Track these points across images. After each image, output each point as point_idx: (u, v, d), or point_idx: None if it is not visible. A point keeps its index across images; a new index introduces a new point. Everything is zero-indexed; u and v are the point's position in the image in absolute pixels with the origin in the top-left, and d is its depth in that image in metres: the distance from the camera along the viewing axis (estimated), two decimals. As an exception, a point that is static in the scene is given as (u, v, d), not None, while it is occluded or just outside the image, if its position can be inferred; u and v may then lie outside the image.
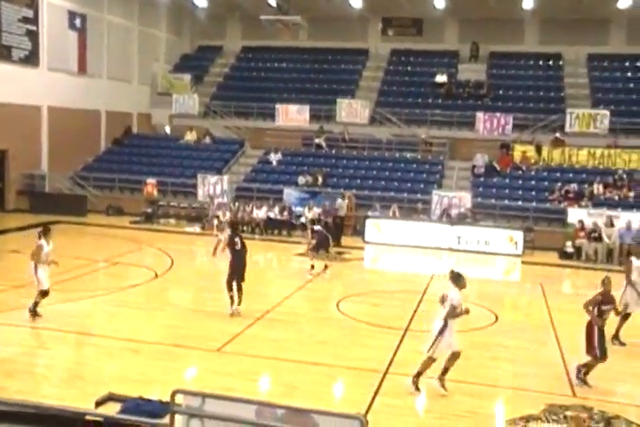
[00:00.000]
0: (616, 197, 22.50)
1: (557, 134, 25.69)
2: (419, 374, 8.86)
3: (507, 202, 22.92)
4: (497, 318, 12.90)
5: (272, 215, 22.54)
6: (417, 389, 8.84)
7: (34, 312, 11.11)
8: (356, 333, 11.42)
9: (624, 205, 22.05)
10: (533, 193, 23.44)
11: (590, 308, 9.54)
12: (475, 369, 9.83)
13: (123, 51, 29.42)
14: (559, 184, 23.11)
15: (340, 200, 22.45)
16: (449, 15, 30.56)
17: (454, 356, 8.81)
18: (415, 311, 12.99)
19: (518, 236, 20.19)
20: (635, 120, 26.06)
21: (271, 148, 27.15)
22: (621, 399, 9.01)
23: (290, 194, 23.97)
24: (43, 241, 11.18)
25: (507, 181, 24.40)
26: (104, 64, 28.19)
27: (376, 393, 8.64)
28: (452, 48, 31.24)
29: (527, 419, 8.23)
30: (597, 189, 22.78)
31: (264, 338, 10.87)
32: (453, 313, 8.72)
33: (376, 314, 12.67)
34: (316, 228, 16.99)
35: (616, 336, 11.37)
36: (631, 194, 22.60)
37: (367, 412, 7.94)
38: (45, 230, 11.40)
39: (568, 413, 8.53)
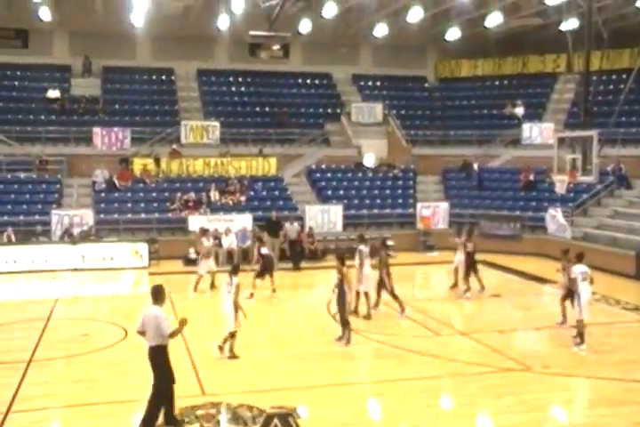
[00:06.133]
0: (230, 202, 24.25)
1: (174, 146, 26.67)
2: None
3: (130, 216, 23.06)
4: (126, 332, 12.89)
5: None
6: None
7: None
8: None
9: (238, 209, 23.84)
10: (155, 205, 23.95)
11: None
12: (105, 388, 9.77)
13: None
14: (179, 194, 23.94)
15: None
16: (57, 28, 29.43)
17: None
18: (40, 339, 12.40)
19: (143, 248, 20.51)
20: (241, 130, 28.44)
21: None
22: (241, 388, 9.78)
23: None
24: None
25: (128, 194, 24.51)
26: None
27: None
28: (62, 62, 30.17)
29: (162, 428, 8.46)
30: (214, 195, 24.26)
31: None
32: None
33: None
34: (264, 251, 16.57)
35: None
36: (242, 198, 24.59)
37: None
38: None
39: (199, 412, 8.99)
